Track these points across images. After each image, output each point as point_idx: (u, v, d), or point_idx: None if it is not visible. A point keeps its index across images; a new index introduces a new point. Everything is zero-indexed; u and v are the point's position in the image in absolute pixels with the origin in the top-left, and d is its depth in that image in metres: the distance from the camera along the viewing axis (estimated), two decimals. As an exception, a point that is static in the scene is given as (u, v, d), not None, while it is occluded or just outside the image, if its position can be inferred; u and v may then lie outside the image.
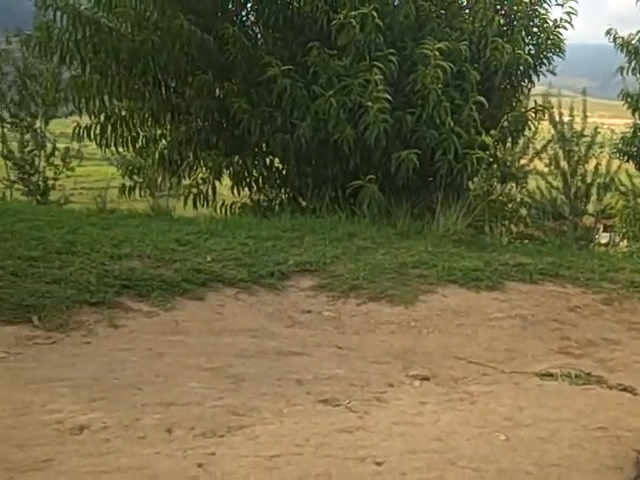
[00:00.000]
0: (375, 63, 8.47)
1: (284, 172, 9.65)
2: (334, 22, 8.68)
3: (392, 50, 8.63)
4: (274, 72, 8.62)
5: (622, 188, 14.43)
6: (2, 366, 4.33)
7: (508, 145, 10.46)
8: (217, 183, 9.55)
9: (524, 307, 6.26)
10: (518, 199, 11.21)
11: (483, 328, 5.84)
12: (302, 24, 9.25)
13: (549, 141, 13.84)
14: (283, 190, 9.79)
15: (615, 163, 13.96)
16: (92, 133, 9.65)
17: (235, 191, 9.71)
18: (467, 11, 9.70)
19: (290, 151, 8.83)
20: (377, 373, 4.75)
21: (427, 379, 4.71)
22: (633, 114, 11.94)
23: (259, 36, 9.81)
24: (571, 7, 9.68)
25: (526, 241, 10.49)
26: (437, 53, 8.49)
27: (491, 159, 9.21)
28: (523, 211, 11.33)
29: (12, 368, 4.31)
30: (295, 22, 9.28)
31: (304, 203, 9.29)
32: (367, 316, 5.83)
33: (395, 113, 8.52)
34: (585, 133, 14.58)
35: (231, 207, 9.63)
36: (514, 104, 10.03)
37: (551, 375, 4.92)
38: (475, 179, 9.18)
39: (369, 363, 4.95)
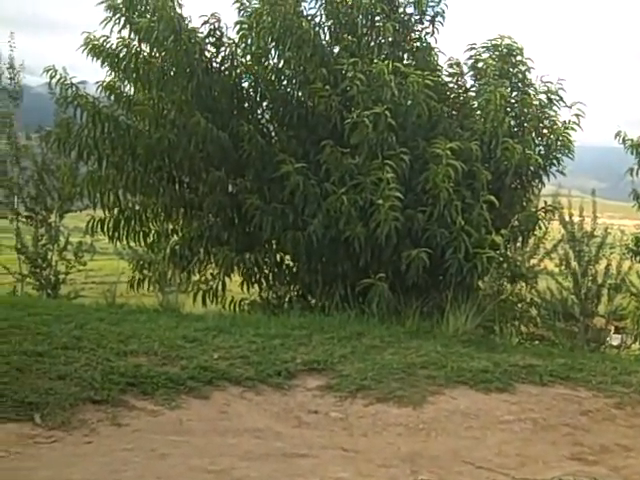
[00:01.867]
0: (387, 162, 8.60)
1: (294, 269, 9.69)
2: (347, 121, 8.87)
3: (404, 149, 8.78)
4: (287, 169, 8.75)
5: (633, 289, 14.32)
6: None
7: (518, 245, 10.48)
8: (227, 279, 9.58)
9: (535, 410, 6.15)
10: (528, 299, 11.14)
11: (493, 431, 5.72)
12: (316, 122, 9.45)
13: (559, 241, 13.80)
14: (293, 287, 9.80)
15: (626, 264, 13.90)
16: (105, 227, 9.76)
17: (244, 288, 9.73)
18: (478, 112, 9.87)
19: (301, 248, 8.88)
20: (384, 477, 4.65)
21: (435, 484, 4.60)
22: (643, 214, 11.99)
23: (273, 134, 10.03)
24: (579, 109, 9.88)
25: (536, 342, 10.38)
26: (448, 152, 8.62)
27: (501, 258, 9.22)
28: (533, 311, 11.26)
29: (10, 468, 4.23)
30: (309, 120, 9.50)
31: (313, 301, 9.28)
32: (375, 417, 5.73)
33: (406, 211, 8.59)
34: (595, 234, 14.58)
35: (240, 304, 9.62)
36: (524, 204, 10.10)
37: (564, 482, 4.80)
38: (485, 278, 9.16)
39: (376, 466, 4.84)
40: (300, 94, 9.70)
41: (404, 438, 5.48)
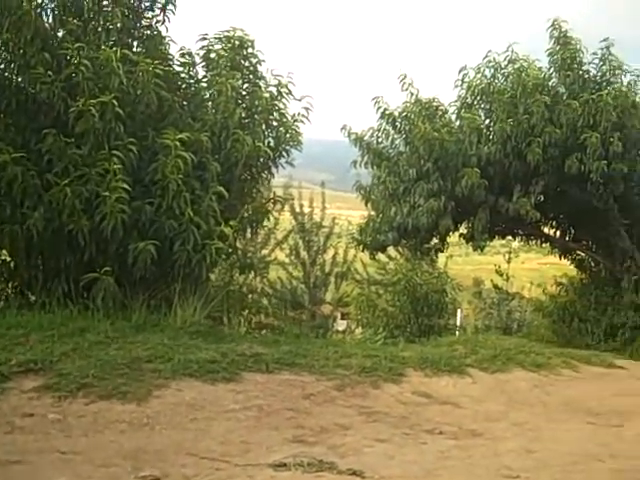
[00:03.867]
0: (114, 152, 8.29)
1: (12, 265, 9.08)
2: (72, 109, 8.44)
3: (132, 139, 8.53)
4: (4, 159, 8.14)
5: (358, 277, 15.23)
6: None
7: (249, 236, 10.63)
8: None
9: (260, 397, 6.29)
10: (259, 289, 11.37)
11: (218, 421, 5.76)
12: (37, 110, 8.87)
13: (290, 231, 14.30)
14: (10, 284, 9.18)
15: (351, 252, 14.70)
16: None
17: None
18: (210, 103, 9.85)
19: (20, 243, 8.31)
20: (104, 477, 4.52)
21: (158, 479, 4.54)
22: (366, 205, 12.70)
23: (-13, 121, 9.29)
24: (308, 103, 10.18)
25: (264, 331, 10.62)
26: (178, 143, 8.49)
27: (230, 250, 9.29)
28: (264, 301, 11.51)
29: None
30: (30, 108, 8.89)
31: (33, 297, 8.74)
32: (96, 416, 5.54)
33: (134, 203, 8.34)
34: (324, 224, 15.28)
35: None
36: (254, 195, 10.24)
37: (285, 465, 4.94)
38: (216, 270, 9.18)
39: (96, 467, 4.69)
40: (20, 79, 9.08)
41: (127, 435, 5.35)
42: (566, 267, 14.49)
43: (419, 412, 6.68)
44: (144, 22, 10.11)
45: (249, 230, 10.02)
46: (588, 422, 6.85)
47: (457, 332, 15.14)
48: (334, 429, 5.91)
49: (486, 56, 12.32)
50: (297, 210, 14.82)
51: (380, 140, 12.70)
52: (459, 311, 16.92)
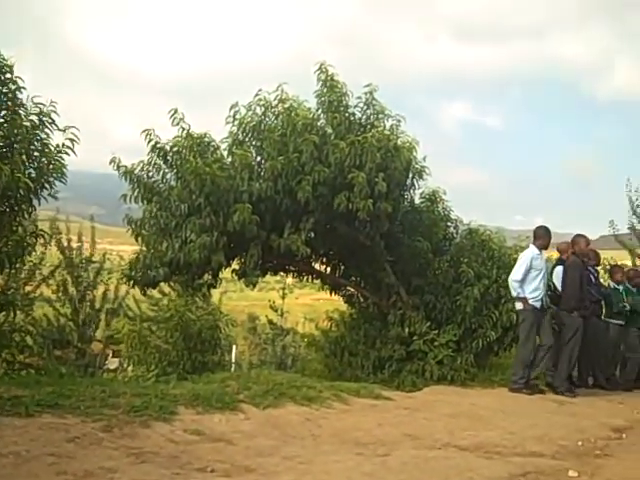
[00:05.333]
0: None
1: None
2: None
3: None
4: None
5: (130, 313, 14.83)
6: None
7: (11, 271, 9.99)
8: None
9: (18, 443, 5.84)
10: (22, 327, 10.68)
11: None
12: None
13: (57, 267, 13.65)
14: None
15: (123, 289, 14.29)
16: None
17: None
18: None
19: None
20: None
21: None
22: (136, 240, 12.36)
23: None
24: (73, 134, 9.73)
25: (25, 371, 9.99)
26: None
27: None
28: (28, 339, 10.83)
29: None
30: None
31: None
32: None
33: None
34: (94, 259, 14.76)
35: None
36: (15, 228, 9.63)
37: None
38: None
39: None
40: None
41: None
42: (338, 302, 14.90)
43: (190, 450, 6.51)
44: None
45: (9, 265, 9.40)
46: (357, 453, 6.98)
47: (232, 368, 15.10)
48: (99, 473, 5.59)
49: (257, 94, 12.46)
50: (65, 245, 14.18)
51: (151, 174, 12.42)
52: (234, 347, 16.92)
